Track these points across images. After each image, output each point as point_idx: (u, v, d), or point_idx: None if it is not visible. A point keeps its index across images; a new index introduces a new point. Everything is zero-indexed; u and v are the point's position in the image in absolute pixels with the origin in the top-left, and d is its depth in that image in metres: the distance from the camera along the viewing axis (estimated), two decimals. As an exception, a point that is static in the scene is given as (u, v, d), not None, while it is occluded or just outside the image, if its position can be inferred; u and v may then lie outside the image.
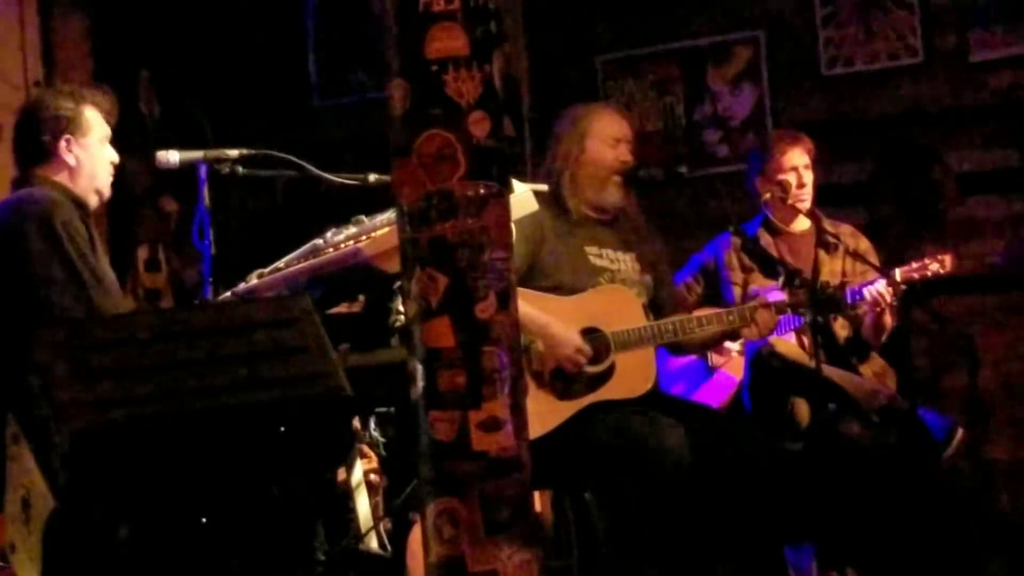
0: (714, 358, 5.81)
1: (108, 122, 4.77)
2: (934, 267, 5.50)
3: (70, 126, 4.65)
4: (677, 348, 5.32)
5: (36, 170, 4.64)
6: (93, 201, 4.72)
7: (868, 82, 6.99)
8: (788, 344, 5.61)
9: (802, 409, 5.52)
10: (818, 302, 5.05)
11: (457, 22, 3.10)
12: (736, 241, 5.83)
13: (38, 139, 4.64)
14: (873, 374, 5.75)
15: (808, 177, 5.80)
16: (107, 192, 4.76)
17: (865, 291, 5.42)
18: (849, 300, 5.41)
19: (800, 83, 7.13)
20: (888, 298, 5.43)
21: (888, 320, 5.64)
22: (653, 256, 5.27)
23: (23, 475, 3.55)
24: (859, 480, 5.45)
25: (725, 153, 7.23)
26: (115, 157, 4.77)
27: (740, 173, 6.43)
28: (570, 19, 7.48)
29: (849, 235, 5.86)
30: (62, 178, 4.64)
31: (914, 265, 5.51)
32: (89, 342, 3.48)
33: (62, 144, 4.63)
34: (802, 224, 5.88)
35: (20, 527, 3.59)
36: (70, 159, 4.64)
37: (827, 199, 6.03)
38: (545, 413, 4.81)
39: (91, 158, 4.68)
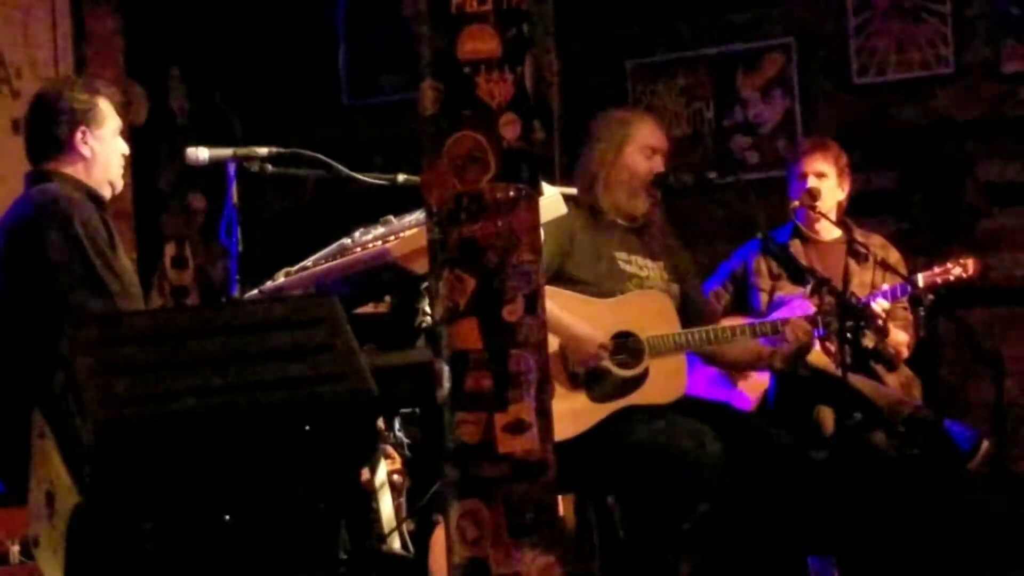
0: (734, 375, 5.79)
1: (119, 114, 4.77)
2: (957, 271, 5.48)
3: (85, 118, 4.65)
4: (711, 359, 5.31)
5: (51, 164, 4.64)
6: (107, 193, 4.73)
7: (899, 92, 6.98)
8: (814, 352, 5.59)
9: (827, 417, 5.51)
10: (845, 311, 5.04)
11: (489, 24, 3.10)
12: (765, 247, 5.82)
13: (53, 132, 4.63)
14: (900, 384, 5.74)
15: (821, 184, 5.78)
16: (119, 184, 4.76)
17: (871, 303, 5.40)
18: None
19: (831, 91, 7.12)
20: (884, 315, 5.41)
21: (901, 338, 5.62)
22: (681, 266, 5.27)
23: (48, 469, 3.55)
24: (883, 490, 5.44)
25: (755, 160, 7.23)
26: (126, 149, 4.77)
27: (770, 180, 6.42)
28: (601, 23, 7.48)
29: (880, 246, 5.84)
30: (76, 170, 4.64)
31: (936, 270, 5.49)
32: (115, 338, 3.48)
33: (78, 136, 4.63)
34: (833, 232, 5.87)
35: (44, 521, 3.59)
36: (85, 151, 4.64)
37: (856, 208, 6.02)
38: (580, 414, 4.83)
39: (105, 150, 4.68)
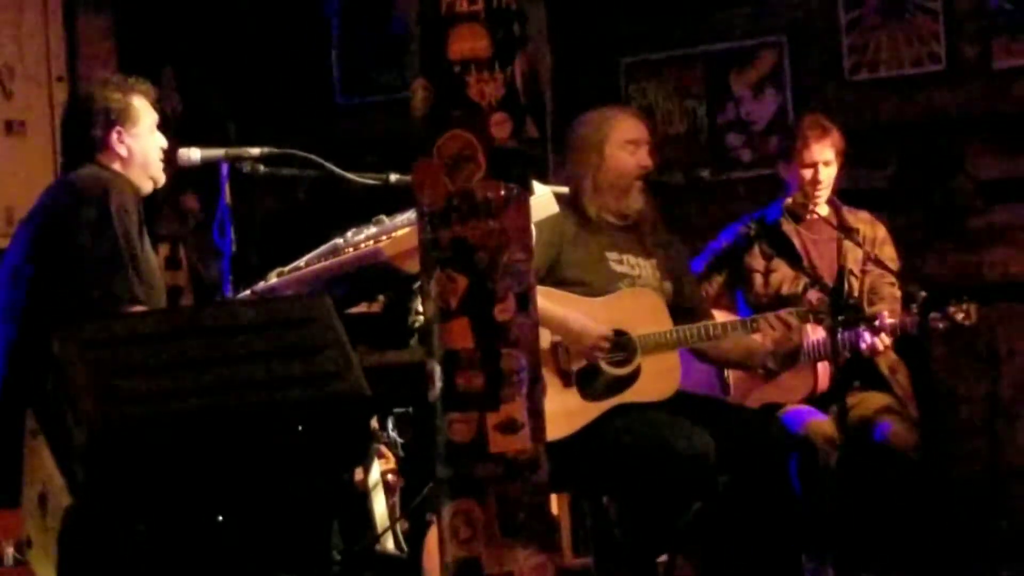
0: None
1: (154, 108, 4.78)
2: (960, 316, 5.46)
3: (120, 117, 4.66)
4: (704, 356, 5.30)
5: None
6: (147, 188, 4.74)
7: (891, 88, 6.98)
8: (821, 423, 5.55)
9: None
10: (838, 306, 5.05)
11: (480, 23, 3.10)
12: (756, 227, 5.79)
13: (89, 133, 4.65)
14: (887, 367, 5.73)
15: (826, 173, 5.79)
16: (161, 179, 4.77)
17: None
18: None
19: (823, 88, 7.11)
20: (882, 347, 5.44)
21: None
22: (674, 263, 5.25)
23: (41, 470, 3.56)
24: (880, 488, 5.45)
25: (748, 158, 7.22)
26: (164, 143, 4.77)
27: (763, 177, 6.42)
28: (594, 21, 7.47)
29: (868, 222, 5.87)
30: (116, 168, 4.65)
31: (937, 314, 5.47)
32: (108, 339, 3.49)
33: (113, 136, 4.64)
34: (822, 210, 5.86)
35: (37, 522, 3.60)
36: (122, 150, 4.65)
37: (848, 204, 6.02)
38: (572, 413, 4.83)
39: (142, 146, 4.69)
